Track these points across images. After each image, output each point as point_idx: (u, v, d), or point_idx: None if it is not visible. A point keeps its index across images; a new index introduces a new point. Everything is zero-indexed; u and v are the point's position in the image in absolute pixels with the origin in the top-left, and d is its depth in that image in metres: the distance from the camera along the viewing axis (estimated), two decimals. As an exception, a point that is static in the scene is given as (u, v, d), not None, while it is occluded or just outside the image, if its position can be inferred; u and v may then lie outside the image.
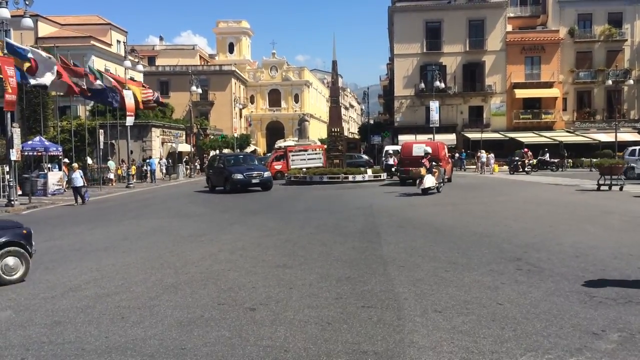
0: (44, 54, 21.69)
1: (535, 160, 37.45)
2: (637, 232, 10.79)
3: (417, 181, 20.30)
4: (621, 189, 20.06)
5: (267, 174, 25.24)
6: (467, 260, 8.21)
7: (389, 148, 39.30)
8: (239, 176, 24.07)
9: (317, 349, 4.68)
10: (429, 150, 22.05)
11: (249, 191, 23.92)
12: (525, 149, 38.63)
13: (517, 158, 36.82)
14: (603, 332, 4.94)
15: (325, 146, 37.40)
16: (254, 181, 24.31)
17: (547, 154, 40.10)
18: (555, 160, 40.12)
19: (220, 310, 5.94)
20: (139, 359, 4.60)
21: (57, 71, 21.95)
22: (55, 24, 47.38)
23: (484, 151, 39.79)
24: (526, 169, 35.41)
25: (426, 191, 19.61)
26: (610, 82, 45.78)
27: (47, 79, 21.19)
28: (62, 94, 25.71)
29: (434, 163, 20.50)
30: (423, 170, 19.81)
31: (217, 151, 53.18)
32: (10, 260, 7.78)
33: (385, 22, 62.52)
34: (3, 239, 7.77)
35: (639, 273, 7.19)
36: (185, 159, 45.26)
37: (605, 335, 4.85)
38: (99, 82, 26.64)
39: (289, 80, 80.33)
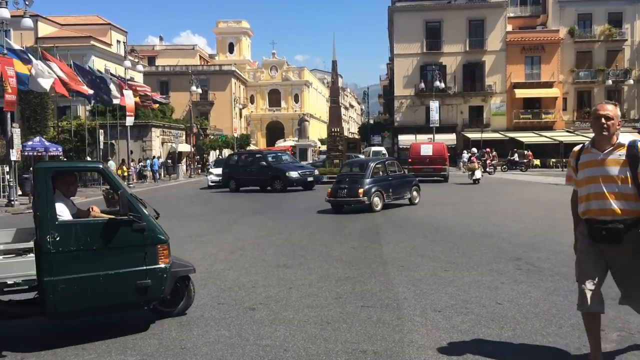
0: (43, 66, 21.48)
1: (495, 161, 37.91)
2: (636, 231, 10.77)
3: (469, 173, 27.08)
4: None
5: (316, 172, 25.34)
6: (467, 260, 8.22)
7: (380, 149, 40.56)
8: (295, 175, 23.75)
9: (317, 349, 4.68)
10: (475, 150, 33.19)
11: (266, 191, 23.71)
12: (488, 149, 38.83)
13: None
14: (602, 331, 4.93)
15: (291, 148, 38.74)
16: (309, 179, 24.10)
17: (516, 155, 41.18)
18: (525, 161, 41.15)
19: (220, 309, 5.95)
20: (139, 358, 4.61)
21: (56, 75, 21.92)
22: (55, 24, 47.35)
23: (465, 151, 40.11)
24: (488, 170, 34.98)
25: (476, 181, 25.88)
26: (610, 82, 45.80)
27: (46, 84, 21.18)
28: (60, 94, 25.69)
29: (479, 161, 28.56)
30: (476, 165, 26.86)
31: (217, 151, 53.21)
32: (414, 193, 16.59)
33: (385, 22, 62.48)
34: (414, 182, 16.94)
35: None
36: (195, 158, 45.73)
37: (604, 335, 4.84)
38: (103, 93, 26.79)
39: (289, 80, 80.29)
